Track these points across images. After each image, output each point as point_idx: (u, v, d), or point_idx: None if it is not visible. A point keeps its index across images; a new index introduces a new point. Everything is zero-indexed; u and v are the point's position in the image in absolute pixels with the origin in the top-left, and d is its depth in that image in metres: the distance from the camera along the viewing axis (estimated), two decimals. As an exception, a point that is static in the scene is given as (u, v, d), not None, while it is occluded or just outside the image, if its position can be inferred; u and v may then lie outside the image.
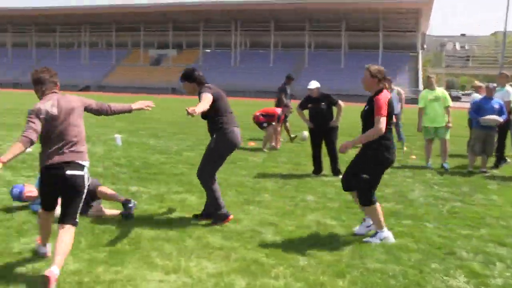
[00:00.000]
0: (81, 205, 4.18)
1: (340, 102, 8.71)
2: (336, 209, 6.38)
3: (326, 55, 78.13)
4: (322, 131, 8.73)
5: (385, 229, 5.10)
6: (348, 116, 13.81)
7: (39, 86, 4.23)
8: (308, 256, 4.59)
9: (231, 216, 5.58)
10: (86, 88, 79.89)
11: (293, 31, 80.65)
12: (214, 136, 5.53)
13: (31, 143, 3.91)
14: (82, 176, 4.10)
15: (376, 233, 5.12)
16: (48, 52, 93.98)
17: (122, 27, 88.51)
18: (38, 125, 3.97)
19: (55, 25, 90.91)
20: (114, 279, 3.90)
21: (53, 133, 4.04)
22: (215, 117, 5.49)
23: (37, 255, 4.40)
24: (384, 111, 4.81)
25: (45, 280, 3.57)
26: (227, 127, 5.49)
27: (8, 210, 5.76)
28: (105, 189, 5.66)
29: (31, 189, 5.70)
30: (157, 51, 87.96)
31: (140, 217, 5.60)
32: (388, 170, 9.37)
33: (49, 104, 4.08)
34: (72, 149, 4.09)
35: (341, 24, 74.58)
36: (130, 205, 5.45)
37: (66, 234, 3.98)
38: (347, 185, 5.22)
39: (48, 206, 4.26)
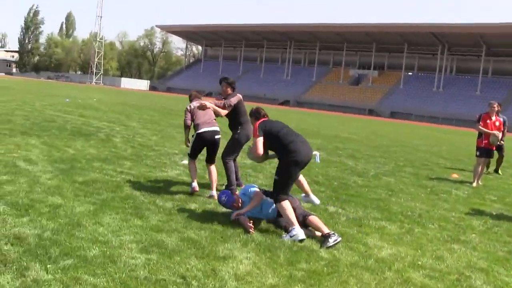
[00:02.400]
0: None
1: None
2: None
3: (545, 84, 69.99)
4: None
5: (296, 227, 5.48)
6: None
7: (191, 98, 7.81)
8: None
9: (237, 194, 6.54)
10: (285, 103, 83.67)
11: (508, 57, 73.91)
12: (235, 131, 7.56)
13: (186, 125, 7.41)
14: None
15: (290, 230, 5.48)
16: (253, 66, 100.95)
17: (325, 46, 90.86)
18: (188, 116, 7.40)
19: (262, 40, 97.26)
20: (312, 301, 3.89)
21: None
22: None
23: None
24: (255, 133, 5.97)
25: (212, 197, 6.95)
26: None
27: (213, 214, 6.17)
28: (315, 219, 5.70)
29: (239, 200, 6.06)
30: (357, 70, 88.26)
31: (338, 240, 5.55)
32: None
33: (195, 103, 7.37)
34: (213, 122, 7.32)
35: None
36: (330, 239, 5.34)
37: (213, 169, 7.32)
38: None
39: (196, 156, 7.47)
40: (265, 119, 6.18)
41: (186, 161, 9.78)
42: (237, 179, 7.61)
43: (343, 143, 17.99)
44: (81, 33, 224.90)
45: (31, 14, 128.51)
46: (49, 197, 6.02)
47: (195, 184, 7.18)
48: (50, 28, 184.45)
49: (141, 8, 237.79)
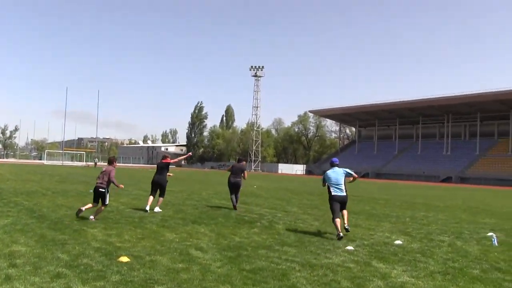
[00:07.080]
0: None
1: None
2: None
3: None
4: None
5: None
6: None
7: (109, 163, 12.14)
8: None
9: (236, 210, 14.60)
10: (447, 180, 79.00)
11: None
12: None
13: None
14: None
15: None
16: (409, 143, 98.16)
17: (488, 116, 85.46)
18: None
19: (417, 117, 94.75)
20: None
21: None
22: None
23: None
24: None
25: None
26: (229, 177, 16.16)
27: None
28: None
29: None
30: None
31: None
32: None
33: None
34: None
35: None
36: None
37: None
38: None
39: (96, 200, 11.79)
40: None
41: (350, 247, 9.52)
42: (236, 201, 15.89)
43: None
44: (239, 123, 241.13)
45: (197, 110, 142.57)
46: (220, 286, 6.19)
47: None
48: (212, 121, 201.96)
49: (294, 96, 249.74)
